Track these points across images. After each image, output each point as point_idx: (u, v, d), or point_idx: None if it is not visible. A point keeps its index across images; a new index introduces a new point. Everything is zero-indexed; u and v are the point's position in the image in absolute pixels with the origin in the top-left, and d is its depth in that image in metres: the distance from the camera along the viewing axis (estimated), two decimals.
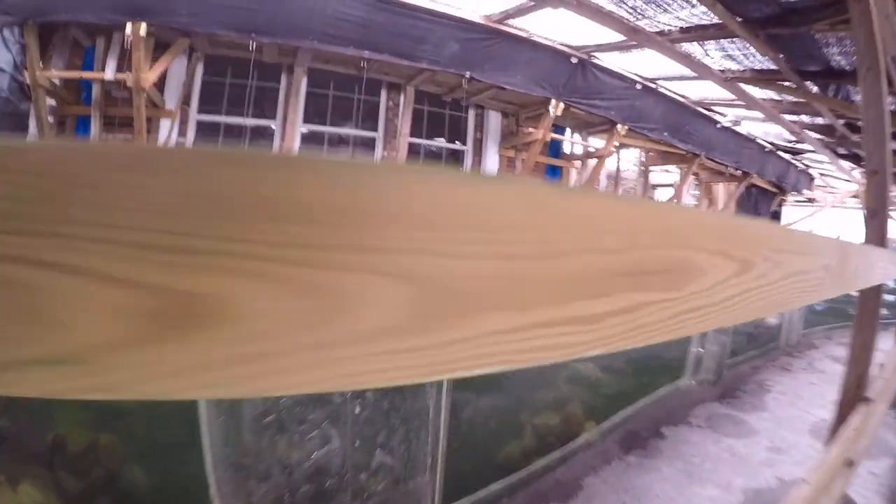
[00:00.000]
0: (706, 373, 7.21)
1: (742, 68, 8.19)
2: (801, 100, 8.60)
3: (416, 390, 3.16)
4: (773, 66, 7.64)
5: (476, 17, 8.22)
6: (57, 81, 8.17)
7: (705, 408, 6.83)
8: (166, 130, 8.73)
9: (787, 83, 8.04)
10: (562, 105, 9.24)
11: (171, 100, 8.90)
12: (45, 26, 7.39)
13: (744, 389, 7.69)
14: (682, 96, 10.51)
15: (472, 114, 11.10)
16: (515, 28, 8.43)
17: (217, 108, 9.40)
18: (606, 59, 9.16)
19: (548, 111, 9.28)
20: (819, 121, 10.01)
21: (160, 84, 8.59)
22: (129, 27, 6.87)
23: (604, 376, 5.59)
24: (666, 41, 7.37)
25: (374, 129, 10.37)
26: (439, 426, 3.38)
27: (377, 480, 3.08)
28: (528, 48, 8.66)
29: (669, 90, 10.24)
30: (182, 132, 9.10)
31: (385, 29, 7.97)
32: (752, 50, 7.22)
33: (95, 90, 8.39)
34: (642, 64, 9.08)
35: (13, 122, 7.37)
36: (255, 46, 8.24)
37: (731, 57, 7.74)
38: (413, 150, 10.61)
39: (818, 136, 11.06)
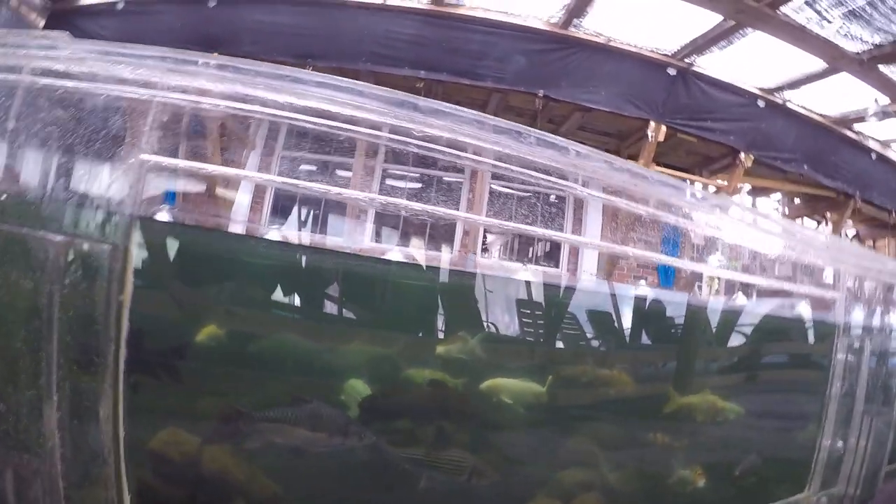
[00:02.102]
0: (847, 483, 4.59)
1: (880, 40, 6.24)
2: None
3: None
4: None
5: (539, 23, 6.91)
6: None
7: None
8: (255, 161, 8.60)
9: None
10: (664, 129, 7.57)
11: (260, 135, 8.77)
12: None
13: None
14: (820, 114, 8.45)
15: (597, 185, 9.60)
16: (590, 33, 7.02)
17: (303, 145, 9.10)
18: (708, 65, 7.44)
19: (647, 137, 7.59)
20: None
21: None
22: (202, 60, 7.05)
23: (677, 469, 3.64)
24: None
25: (461, 171, 9.30)
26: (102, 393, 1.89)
27: None
28: (610, 57, 7.30)
29: (801, 106, 8.24)
30: (267, 166, 8.88)
31: (439, 45, 7.18)
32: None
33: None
34: (750, 64, 7.32)
35: None
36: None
37: (855, 15, 5.84)
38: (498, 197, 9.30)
39: None
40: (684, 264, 3.90)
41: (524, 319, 3.34)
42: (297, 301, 2.85)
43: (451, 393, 2.86)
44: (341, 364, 2.79)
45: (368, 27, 7.10)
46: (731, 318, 4.25)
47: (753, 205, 11.83)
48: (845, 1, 5.74)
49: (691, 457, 3.67)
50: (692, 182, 10.00)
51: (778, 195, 11.55)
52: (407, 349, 2.91)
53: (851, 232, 12.77)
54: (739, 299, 4.36)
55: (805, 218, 12.17)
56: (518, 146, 2.54)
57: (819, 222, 11.97)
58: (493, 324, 3.14)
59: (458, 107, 2.50)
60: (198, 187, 3.00)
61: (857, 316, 4.36)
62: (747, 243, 3.76)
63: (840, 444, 4.28)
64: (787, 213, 12.08)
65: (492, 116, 2.57)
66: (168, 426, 2.30)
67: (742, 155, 8.23)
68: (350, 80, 2.41)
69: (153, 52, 2.31)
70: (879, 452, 4.56)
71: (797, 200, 11.39)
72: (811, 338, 4.58)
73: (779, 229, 3.91)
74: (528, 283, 3.43)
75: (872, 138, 9.31)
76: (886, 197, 10.05)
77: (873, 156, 9.48)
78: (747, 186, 10.60)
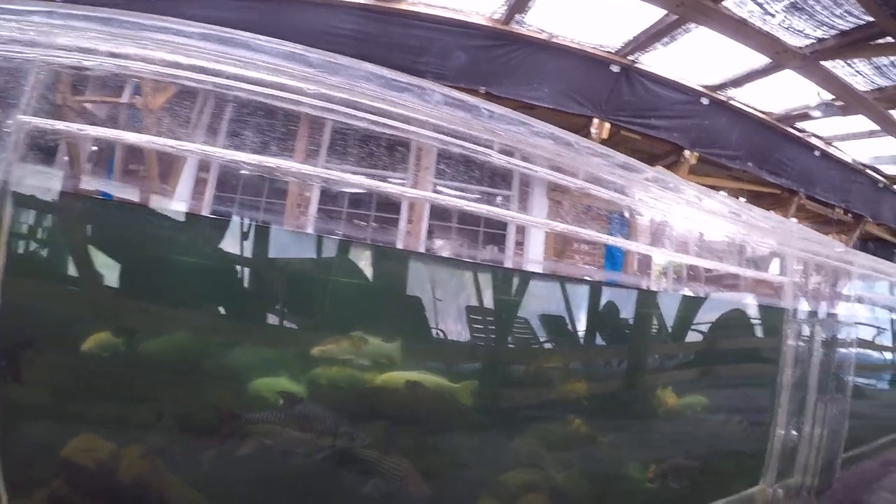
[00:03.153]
0: (804, 473, 4.33)
1: (822, 34, 6.23)
2: None
3: None
4: (863, 19, 5.87)
5: (481, 19, 6.77)
6: None
7: None
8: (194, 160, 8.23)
9: (885, 39, 6.18)
10: (607, 126, 7.50)
11: (200, 131, 8.46)
12: None
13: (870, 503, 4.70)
14: (763, 112, 8.48)
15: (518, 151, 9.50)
16: (532, 30, 6.91)
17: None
18: (652, 62, 7.38)
19: (591, 134, 7.49)
20: None
21: (187, 113, 8.31)
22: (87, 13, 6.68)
23: (626, 471, 3.45)
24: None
25: (402, 170, 9.08)
26: None
27: None
28: (553, 54, 7.19)
29: (745, 104, 8.24)
30: (206, 167, 8.47)
31: (379, 40, 6.93)
32: None
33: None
34: (694, 61, 7.28)
35: None
36: None
37: (797, 7, 5.82)
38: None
39: None
40: (626, 244, 3.73)
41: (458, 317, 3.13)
42: (201, 293, 2.57)
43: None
44: (242, 364, 2.52)
45: (309, 23, 6.84)
46: (674, 305, 4.08)
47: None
48: None
49: (638, 454, 3.49)
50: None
51: (723, 193, 11.62)
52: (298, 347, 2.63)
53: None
54: (684, 285, 4.22)
55: None
56: (423, 106, 2.33)
57: None
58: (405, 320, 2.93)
59: (355, 59, 2.29)
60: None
61: (807, 301, 4.25)
62: (690, 222, 3.61)
63: (794, 433, 4.15)
64: None
65: (394, 70, 2.36)
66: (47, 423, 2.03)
67: (686, 152, 8.23)
68: (239, 32, 2.19)
69: (40, 6, 2.08)
70: (835, 440, 4.45)
71: (742, 199, 11.47)
72: (760, 325, 4.44)
73: (724, 209, 3.75)
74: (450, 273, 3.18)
75: (815, 136, 9.40)
76: (830, 193, 10.22)
77: (817, 153, 9.59)
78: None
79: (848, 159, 10.21)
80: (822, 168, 9.85)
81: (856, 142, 9.54)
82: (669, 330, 4.02)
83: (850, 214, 11.24)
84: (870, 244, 13.03)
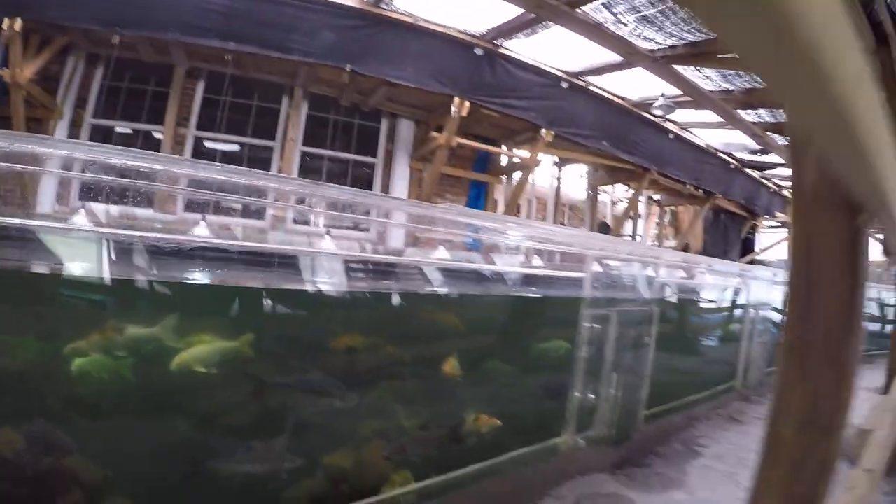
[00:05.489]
0: (604, 426, 5.09)
1: (673, 42, 6.89)
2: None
3: None
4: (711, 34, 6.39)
5: (351, 0, 6.95)
6: None
7: (585, 482, 4.67)
8: (62, 132, 8.25)
9: (731, 54, 6.72)
10: (467, 105, 7.88)
11: (68, 103, 8.37)
12: None
13: (659, 453, 5.43)
14: (620, 97, 9.10)
15: (384, 123, 9.82)
16: (399, 12, 7.16)
17: (112, 113, 8.68)
18: (516, 48, 7.80)
19: (451, 112, 7.87)
20: (782, 114, 8.61)
21: (53, 85, 8.10)
22: (6, 23, 6.52)
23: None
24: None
25: (272, 138, 9.28)
26: None
27: None
28: (418, 36, 7.49)
29: (602, 89, 8.82)
30: (75, 136, 8.33)
31: (250, 17, 6.97)
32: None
33: None
34: (554, 51, 7.75)
35: None
36: (121, 42, 7.47)
37: (648, 21, 6.32)
38: (310, 163, 9.42)
39: (783, 137, 9.61)
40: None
41: None
42: None
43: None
44: None
45: None
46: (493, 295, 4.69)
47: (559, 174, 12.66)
48: (639, 7, 6.15)
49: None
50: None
51: (583, 165, 12.41)
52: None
53: (656, 197, 14.05)
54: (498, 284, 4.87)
55: (610, 185, 13.33)
56: None
57: (627, 187, 13.16)
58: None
59: None
60: None
61: (604, 290, 4.93)
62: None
63: (591, 395, 4.89)
64: (591, 180, 13.03)
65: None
66: None
67: (543, 130, 8.75)
68: None
69: None
70: (632, 401, 5.20)
71: (598, 171, 12.28)
72: (561, 310, 5.11)
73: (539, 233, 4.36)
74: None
75: (671, 121, 10.11)
76: (682, 171, 11.02)
77: (671, 136, 10.33)
78: (555, 158, 11.36)
79: (701, 143, 11.05)
80: (675, 150, 10.65)
81: (709, 130, 10.37)
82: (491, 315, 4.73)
83: (701, 190, 12.17)
84: (721, 215, 14.14)
